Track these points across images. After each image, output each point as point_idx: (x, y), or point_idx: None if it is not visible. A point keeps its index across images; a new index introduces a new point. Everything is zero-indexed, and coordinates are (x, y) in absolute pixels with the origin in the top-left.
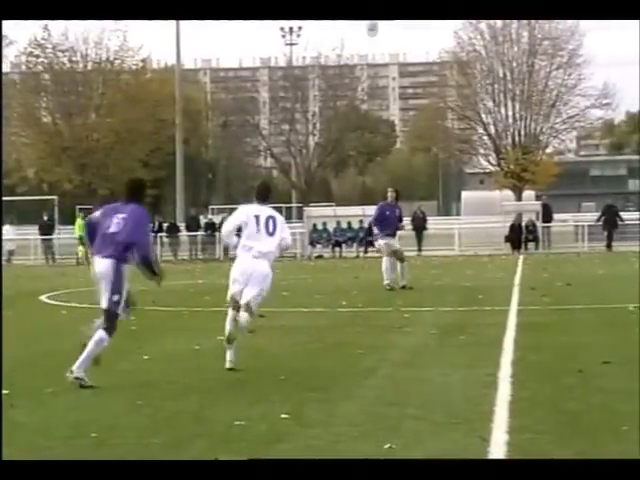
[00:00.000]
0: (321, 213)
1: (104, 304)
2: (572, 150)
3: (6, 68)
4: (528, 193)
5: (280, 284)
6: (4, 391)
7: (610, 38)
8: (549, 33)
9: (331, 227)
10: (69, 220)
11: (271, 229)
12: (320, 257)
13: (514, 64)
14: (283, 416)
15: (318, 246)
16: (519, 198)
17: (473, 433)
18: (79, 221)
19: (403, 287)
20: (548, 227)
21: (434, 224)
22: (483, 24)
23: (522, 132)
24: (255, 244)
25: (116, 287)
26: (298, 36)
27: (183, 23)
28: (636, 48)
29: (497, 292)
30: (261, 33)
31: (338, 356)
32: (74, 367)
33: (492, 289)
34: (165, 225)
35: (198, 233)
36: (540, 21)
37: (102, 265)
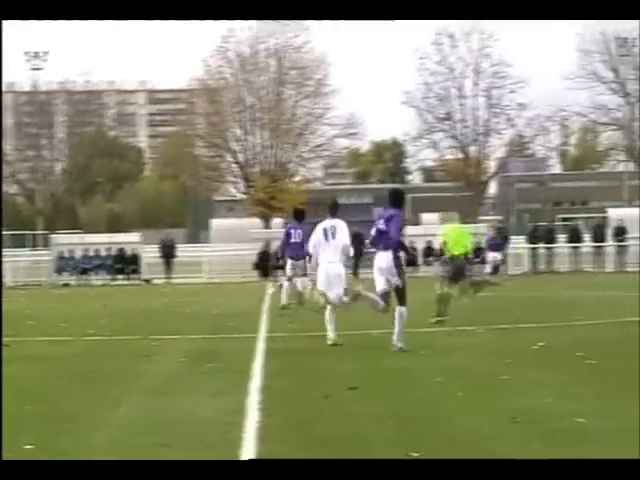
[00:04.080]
0: (68, 240)
1: (396, 283)
2: (319, 178)
3: None
4: (277, 221)
5: (25, 312)
6: None
7: (358, 69)
8: (297, 62)
9: (78, 254)
10: None
11: (333, 236)
12: (67, 285)
13: (263, 92)
14: (27, 447)
15: (65, 274)
16: (268, 226)
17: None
18: None
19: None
20: None
21: (183, 251)
22: (231, 52)
23: (271, 160)
24: (325, 252)
25: (399, 270)
26: (44, 61)
27: None
28: (382, 79)
29: (246, 319)
30: (5, 57)
31: (86, 385)
32: (394, 342)
33: (241, 316)
34: None
35: None
36: (289, 51)
37: (384, 256)
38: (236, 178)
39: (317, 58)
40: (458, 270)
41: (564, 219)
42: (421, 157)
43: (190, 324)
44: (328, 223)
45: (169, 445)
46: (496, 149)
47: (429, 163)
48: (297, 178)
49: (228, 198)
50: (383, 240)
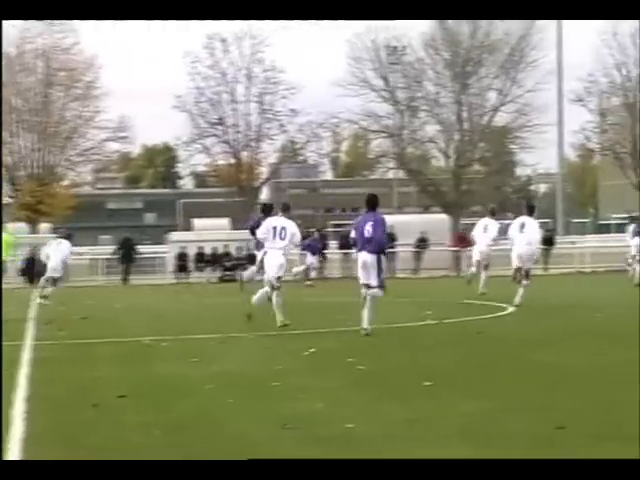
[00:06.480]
0: None
1: (374, 282)
2: (89, 182)
3: None
4: (44, 226)
5: None
6: None
7: (129, 71)
8: (65, 64)
9: None
10: None
11: (283, 235)
12: None
13: (29, 94)
14: None
15: None
16: (35, 230)
17: None
18: None
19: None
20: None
21: None
22: None
23: (38, 164)
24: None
25: (381, 271)
26: None
27: None
28: (153, 82)
29: (11, 327)
30: None
31: None
32: (365, 325)
33: (6, 324)
34: None
35: None
36: (57, 52)
37: (369, 257)
38: (3, 182)
39: (86, 60)
40: None
41: (335, 225)
42: (193, 162)
43: None
44: (279, 222)
45: None
46: (268, 155)
47: (201, 168)
48: (66, 182)
49: None
50: (369, 242)
